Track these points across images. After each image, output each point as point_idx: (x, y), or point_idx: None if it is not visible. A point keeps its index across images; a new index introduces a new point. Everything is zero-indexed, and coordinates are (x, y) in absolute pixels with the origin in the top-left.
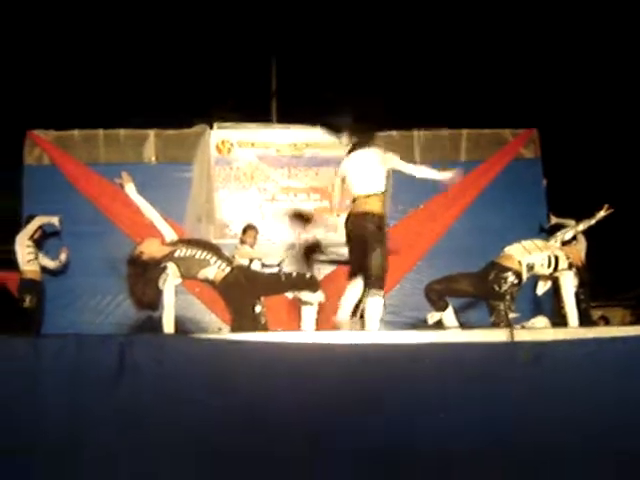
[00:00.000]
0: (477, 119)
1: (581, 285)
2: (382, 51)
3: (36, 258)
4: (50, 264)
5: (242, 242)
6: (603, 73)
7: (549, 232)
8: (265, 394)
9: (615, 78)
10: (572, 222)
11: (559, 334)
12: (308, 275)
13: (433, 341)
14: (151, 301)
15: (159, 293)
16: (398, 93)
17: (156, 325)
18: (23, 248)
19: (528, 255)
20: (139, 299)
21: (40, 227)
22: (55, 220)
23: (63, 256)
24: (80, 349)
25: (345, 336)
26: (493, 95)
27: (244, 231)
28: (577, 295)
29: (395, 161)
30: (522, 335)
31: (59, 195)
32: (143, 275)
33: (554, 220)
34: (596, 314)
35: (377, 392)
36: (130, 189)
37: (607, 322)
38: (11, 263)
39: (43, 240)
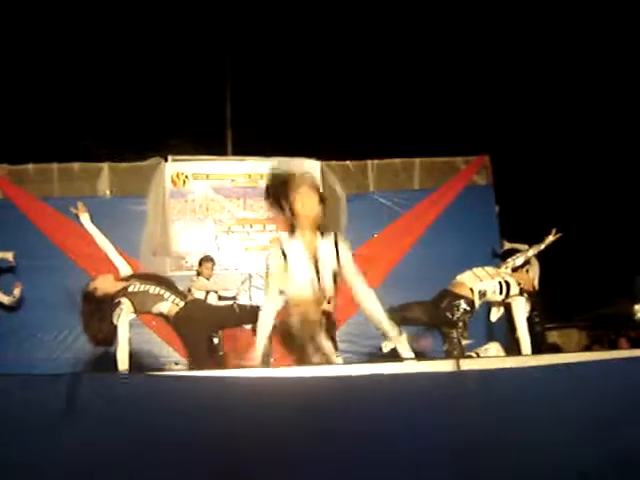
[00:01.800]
0: (429, 147)
1: (533, 310)
2: (335, 83)
3: None
4: (4, 299)
5: (198, 274)
6: (551, 98)
7: (502, 258)
8: (220, 430)
9: (563, 104)
10: (525, 247)
11: (506, 362)
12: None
13: (377, 372)
14: (106, 337)
15: (114, 328)
16: (351, 123)
17: (113, 360)
18: None
19: (480, 282)
20: (94, 335)
21: None
22: (9, 255)
23: (17, 291)
24: (25, 389)
25: (297, 370)
26: (444, 123)
27: (200, 263)
28: (530, 320)
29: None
30: (469, 364)
31: (13, 229)
32: (98, 311)
33: (507, 245)
34: (552, 337)
35: (327, 426)
36: (85, 219)
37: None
38: None
39: None
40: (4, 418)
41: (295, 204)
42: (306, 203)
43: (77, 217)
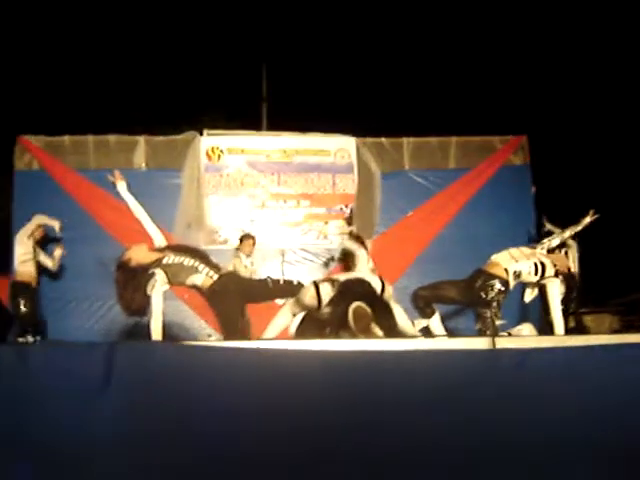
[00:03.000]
0: (466, 126)
1: (568, 292)
2: (372, 59)
3: (33, 258)
4: (49, 263)
5: (238, 250)
6: (591, 79)
7: (537, 239)
8: (253, 400)
9: (602, 85)
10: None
11: (542, 342)
12: (295, 281)
13: (415, 348)
14: (139, 307)
15: (147, 299)
16: (388, 100)
17: (145, 331)
18: (20, 247)
19: (515, 263)
20: (128, 305)
21: (41, 227)
22: (56, 224)
23: (57, 253)
24: (66, 357)
25: (331, 343)
26: (482, 102)
27: (241, 240)
28: (564, 302)
29: None
30: (504, 343)
31: (49, 200)
32: (132, 281)
33: (548, 226)
34: (585, 321)
35: (362, 399)
36: (122, 188)
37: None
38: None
39: (44, 242)
40: (45, 385)
41: None
42: None
43: (113, 186)
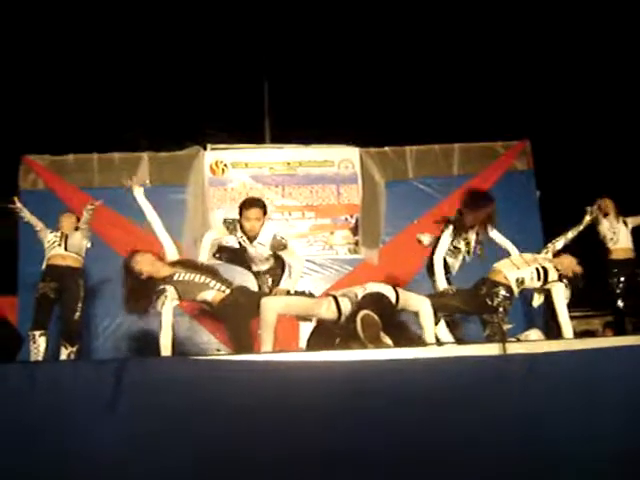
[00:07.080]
0: (469, 133)
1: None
2: (373, 68)
3: (60, 244)
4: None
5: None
6: (594, 81)
7: (544, 243)
8: (264, 414)
9: (606, 87)
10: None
11: (552, 346)
12: (306, 291)
13: (426, 356)
14: (142, 309)
15: (151, 303)
16: (390, 109)
17: (154, 347)
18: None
19: (516, 270)
20: (132, 306)
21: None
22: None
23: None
24: (75, 375)
25: (340, 354)
26: (484, 108)
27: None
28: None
29: None
30: (515, 348)
31: (55, 220)
32: (140, 287)
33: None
34: (594, 324)
35: (373, 408)
36: (139, 194)
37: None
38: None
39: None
40: (54, 403)
41: None
42: None
43: (131, 189)
